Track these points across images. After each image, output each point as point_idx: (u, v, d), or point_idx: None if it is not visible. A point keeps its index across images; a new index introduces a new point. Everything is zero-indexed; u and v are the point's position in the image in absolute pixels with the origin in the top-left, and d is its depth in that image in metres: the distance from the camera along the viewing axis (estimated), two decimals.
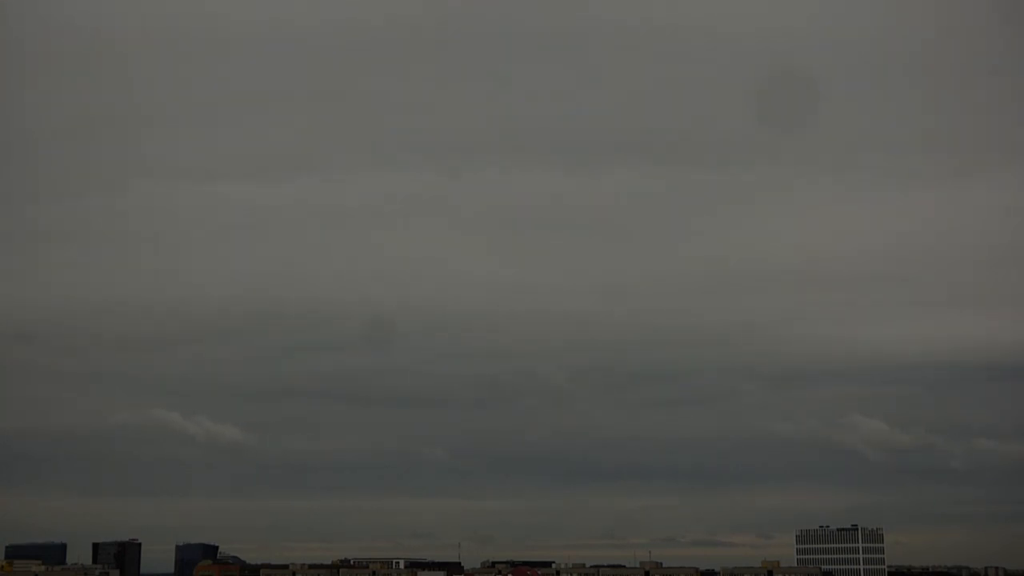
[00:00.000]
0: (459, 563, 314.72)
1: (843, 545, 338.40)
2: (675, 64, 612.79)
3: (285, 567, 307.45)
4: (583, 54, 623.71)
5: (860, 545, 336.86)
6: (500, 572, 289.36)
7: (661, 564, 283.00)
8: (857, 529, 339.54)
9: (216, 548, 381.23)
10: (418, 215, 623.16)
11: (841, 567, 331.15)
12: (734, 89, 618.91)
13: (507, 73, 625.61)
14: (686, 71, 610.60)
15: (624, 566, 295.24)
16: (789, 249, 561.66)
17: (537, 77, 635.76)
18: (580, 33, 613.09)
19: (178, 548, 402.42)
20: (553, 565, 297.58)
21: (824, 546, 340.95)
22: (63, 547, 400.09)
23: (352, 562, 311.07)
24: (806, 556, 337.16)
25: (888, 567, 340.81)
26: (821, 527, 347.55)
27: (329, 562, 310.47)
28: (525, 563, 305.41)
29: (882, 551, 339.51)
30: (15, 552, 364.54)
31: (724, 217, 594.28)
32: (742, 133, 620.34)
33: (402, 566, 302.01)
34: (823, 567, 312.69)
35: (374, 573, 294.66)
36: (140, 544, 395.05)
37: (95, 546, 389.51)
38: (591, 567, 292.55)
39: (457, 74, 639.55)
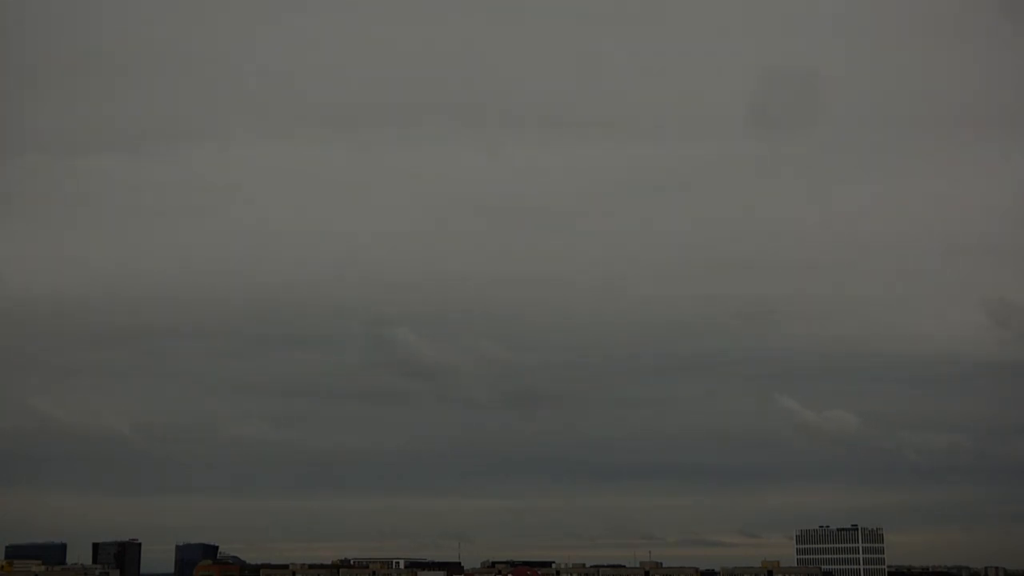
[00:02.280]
0: (459, 563, 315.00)
1: (843, 545, 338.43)
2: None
3: (285, 567, 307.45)
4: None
5: (860, 545, 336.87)
6: (500, 572, 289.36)
7: (661, 564, 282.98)
8: (857, 529, 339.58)
9: (216, 548, 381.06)
10: (338, 191, 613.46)
11: (841, 567, 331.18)
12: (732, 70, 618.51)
13: (431, 37, 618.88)
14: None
15: (624, 566, 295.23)
16: (787, 236, 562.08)
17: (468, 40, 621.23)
18: None
19: (178, 548, 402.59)
20: (553, 565, 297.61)
21: (824, 546, 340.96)
22: (63, 547, 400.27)
23: (352, 562, 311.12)
24: (806, 556, 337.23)
25: (888, 567, 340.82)
26: (821, 527, 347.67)
27: (329, 562, 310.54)
28: (525, 563, 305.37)
29: (882, 551, 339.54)
30: (15, 552, 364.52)
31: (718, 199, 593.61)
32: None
33: (402, 566, 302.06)
34: (823, 567, 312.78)
35: (374, 573, 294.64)
36: (140, 544, 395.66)
37: (95, 546, 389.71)
38: (591, 567, 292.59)
39: (361, 36, 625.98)
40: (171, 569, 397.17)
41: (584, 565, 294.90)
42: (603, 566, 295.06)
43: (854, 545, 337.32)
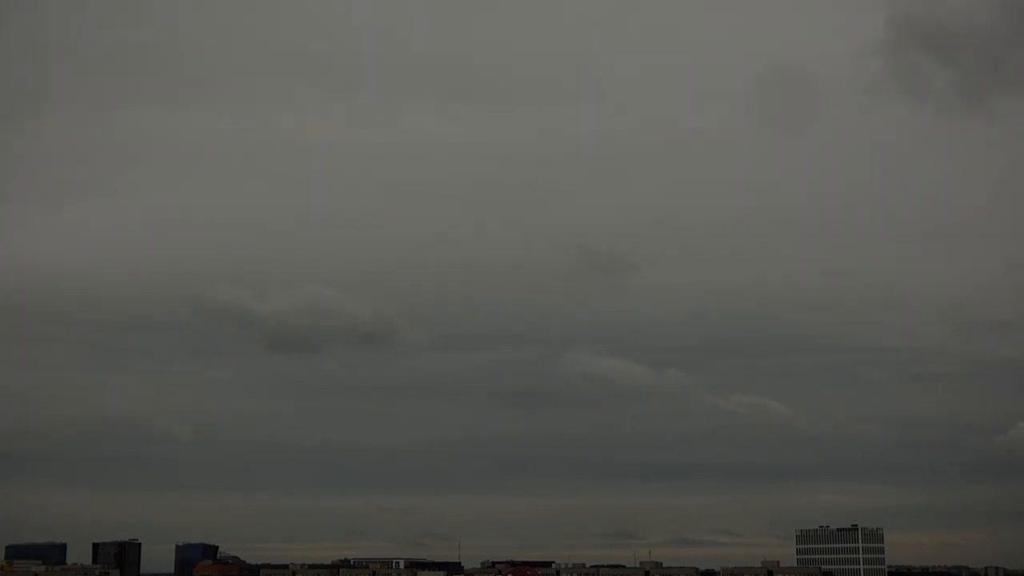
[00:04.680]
0: (459, 563, 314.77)
1: (843, 545, 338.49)
2: None
3: (285, 567, 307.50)
4: None
5: (860, 545, 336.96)
6: (500, 572, 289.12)
7: (661, 564, 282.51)
8: (857, 529, 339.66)
9: (216, 548, 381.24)
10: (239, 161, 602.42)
11: (841, 567, 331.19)
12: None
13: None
14: None
15: (624, 566, 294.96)
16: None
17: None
18: None
19: (178, 548, 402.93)
20: (553, 565, 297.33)
21: (824, 546, 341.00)
22: (63, 547, 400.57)
23: (352, 562, 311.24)
24: (806, 556, 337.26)
25: (888, 567, 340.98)
26: (821, 527, 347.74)
27: (329, 562, 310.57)
28: (525, 563, 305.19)
29: (882, 551, 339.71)
30: (15, 552, 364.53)
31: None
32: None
33: (402, 566, 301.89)
34: (823, 567, 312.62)
35: (374, 573, 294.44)
36: (140, 544, 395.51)
37: (95, 546, 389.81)
38: (591, 567, 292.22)
39: None
40: (171, 569, 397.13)
41: (584, 565, 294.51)
42: (603, 566, 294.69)
43: (854, 545, 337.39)
